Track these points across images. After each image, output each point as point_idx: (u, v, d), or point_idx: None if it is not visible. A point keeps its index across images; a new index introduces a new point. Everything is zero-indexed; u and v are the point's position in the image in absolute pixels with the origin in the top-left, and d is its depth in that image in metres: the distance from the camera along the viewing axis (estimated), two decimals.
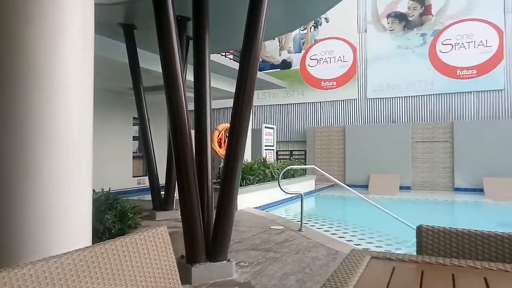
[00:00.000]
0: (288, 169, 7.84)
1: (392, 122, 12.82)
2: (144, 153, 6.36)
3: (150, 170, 6.24)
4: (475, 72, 11.76)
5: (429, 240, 1.25)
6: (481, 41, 11.68)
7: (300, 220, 5.45)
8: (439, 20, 12.28)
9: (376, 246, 5.26)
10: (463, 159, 11.32)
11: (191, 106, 3.24)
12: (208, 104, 3.53)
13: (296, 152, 14.20)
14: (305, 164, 13.17)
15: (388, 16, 12.94)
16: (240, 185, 7.55)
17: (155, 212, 6.07)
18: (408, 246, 5.43)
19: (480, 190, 10.73)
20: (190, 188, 3.11)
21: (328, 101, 13.85)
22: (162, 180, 6.20)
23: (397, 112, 12.81)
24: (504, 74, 11.48)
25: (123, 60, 6.03)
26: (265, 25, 3.19)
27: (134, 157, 10.70)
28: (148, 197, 6.42)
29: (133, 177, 10.55)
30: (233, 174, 3.22)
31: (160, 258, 1.12)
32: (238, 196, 7.32)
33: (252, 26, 3.12)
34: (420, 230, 1.32)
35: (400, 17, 12.80)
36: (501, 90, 11.52)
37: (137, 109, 6.07)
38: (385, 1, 12.98)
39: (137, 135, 10.20)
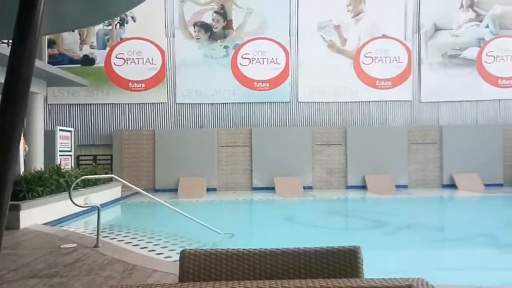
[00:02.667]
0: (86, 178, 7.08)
1: (200, 127, 13.35)
2: None
3: None
4: (268, 85, 13.46)
5: (191, 264, 1.22)
6: (272, 58, 13.45)
7: (96, 234, 4.95)
8: (239, 35, 13.53)
9: (178, 254, 5.25)
10: (259, 162, 12.74)
11: None
12: None
13: (101, 157, 13.09)
14: (111, 170, 12.30)
15: (195, 24, 13.45)
16: (25, 199, 6.39)
17: None
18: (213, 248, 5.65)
19: (273, 188, 12.26)
20: None
21: (137, 103, 13.34)
22: None
23: (205, 118, 13.42)
24: (289, 88, 13.55)
25: None
26: (56, 16, 2.68)
27: None
28: None
29: None
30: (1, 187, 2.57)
31: None
32: (22, 212, 6.21)
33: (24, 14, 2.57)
34: (183, 256, 1.27)
35: (206, 28, 13.49)
36: (287, 102, 13.55)
37: None
38: (192, 9, 13.43)
39: None
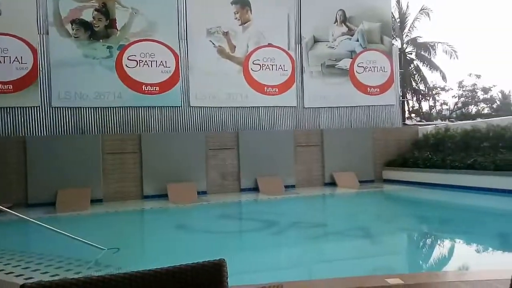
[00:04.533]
0: None
1: (82, 133, 12.24)
2: None
3: None
4: (158, 89, 13.01)
5: None
6: (161, 61, 13.05)
7: None
8: (125, 36, 12.80)
9: (52, 276, 4.68)
10: (150, 169, 12.21)
11: None
12: None
13: None
14: None
15: (73, 22, 12.29)
16: None
17: None
18: (89, 267, 5.17)
19: (166, 196, 11.85)
20: None
21: (4, 108, 11.65)
22: None
23: (87, 123, 12.35)
24: (181, 93, 13.32)
25: None
26: None
27: None
28: None
29: None
30: None
31: None
32: None
33: None
34: None
35: (86, 26, 12.44)
36: (179, 106, 13.29)
37: None
38: (69, 5, 12.26)
39: None
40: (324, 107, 14.93)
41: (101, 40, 12.59)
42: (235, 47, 13.94)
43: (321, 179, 14.11)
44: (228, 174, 13.12)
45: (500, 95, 34.10)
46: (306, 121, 14.71)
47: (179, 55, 13.27)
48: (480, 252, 5.93)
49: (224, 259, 1.29)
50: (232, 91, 13.80)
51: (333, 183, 13.83)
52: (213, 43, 13.68)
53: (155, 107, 13.03)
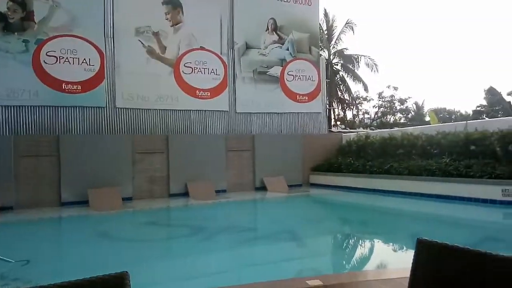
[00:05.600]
0: None
1: None
2: None
3: None
4: (80, 88, 12.18)
5: None
6: (84, 59, 12.24)
7: None
8: (43, 30, 11.80)
9: None
10: (69, 173, 11.34)
11: None
12: None
13: None
14: None
15: None
16: None
17: None
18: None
19: (86, 202, 11.08)
20: None
21: None
22: None
23: None
24: (106, 93, 12.61)
25: None
26: None
27: None
28: None
29: None
30: None
31: None
32: None
33: None
34: None
35: None
36: (103, 107, 12.56)
37: None
38: None
39: None
40: (256, 113, 15.14)
41: (16, 33, 11.47)
42: (165, 48, 13.57)
43: (252, 183, 14.24)
44: (156, 179, 12.67)
45: (414, 106, 37.49)
46: (238, 126, 14.79)
47: (104, 53, 12.57)
48: (396, 251, 6.37)
49: (126, 272, 1.18)
50: (162, 93, 13.39)
51: (263, 188, 14.03)
52: (142, 43, 13.18)
53: (76, 107, 12.17)
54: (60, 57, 11.91)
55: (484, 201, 9.04)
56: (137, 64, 13.00)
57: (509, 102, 25.11)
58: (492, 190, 8.84)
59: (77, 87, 12.12)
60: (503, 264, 1.22)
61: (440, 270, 1.32)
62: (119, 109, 12.81)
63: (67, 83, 11.98)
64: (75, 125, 12.17)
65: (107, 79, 12.63)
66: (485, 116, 26.39)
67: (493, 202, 8.84)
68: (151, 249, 6.60)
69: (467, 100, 66.55)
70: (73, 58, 12.09)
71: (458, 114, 37.72)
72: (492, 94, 26.91)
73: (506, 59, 53.44)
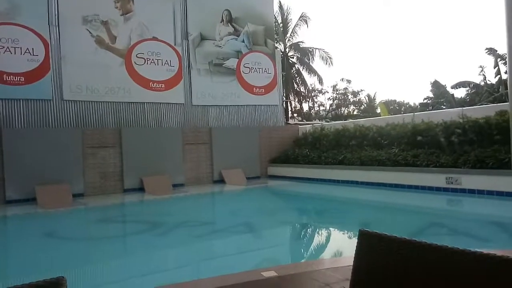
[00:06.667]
0: None
1: None
2: None
3: None
4: (23, 80, 11.42)
5: None
6: (27, 48, 11.48)
7: None
8: None
9: None
10: (14, 169, 10.66)
11: None
12: None
13: None
14: None
15: None
16: None
17: None
18: None
19: (34, 200, 10.51)
20: None
21: None
22: None
23: None
24: (52, 84, 11.92)
25: None
26: None
27: None
28: None
29: None
30: None
31: None
32: None
33: None
34: None
35: None
36: (49, 100, 11.87)
37: None
38: None
39: None
40: (213, 105, 14.99)
41: None
42: (115, 38, 13.02)
43: (210, 176, 14.15)
44: (109, 174, 12.23)
45: (366, 98, 38.86)
46: (195, 119, 14.57)
47: (49, 42, 11.86)
48: (350, 239, 6.59)
49: (63, 277, 1.11)
50: (113, 84, 12.88)
51: (222, 181, 13.98)
52: (90, 32, 12.56)
53: (19, 99, 11.41)
54: (0, 47, 11.08)
55: (430, 189, 9.58)
56: (85, 55, 12.39)
57: (453, 94, 26.66)
58: (437, 178, 9.39)
59: (19, 78, 11.35)
60: (442, 254, 1.28)
61: (380, 259, 1.36)
62: (67, 102, 12.18)
63: (9, 74, 11.18)
64: (18, 119, 11.42)
65: (53, 70, 11.94)
66: (431, 108, 27.92)
67: (438, 189, 9.39)
68: (102, 247, 6.36)
69: (415, 92, 70.01)
70: (15, 47, 11.29)
71: (407, 106, 39.61)
72: (436, 87, 28.43)
73: (450, 53, 56.76)
